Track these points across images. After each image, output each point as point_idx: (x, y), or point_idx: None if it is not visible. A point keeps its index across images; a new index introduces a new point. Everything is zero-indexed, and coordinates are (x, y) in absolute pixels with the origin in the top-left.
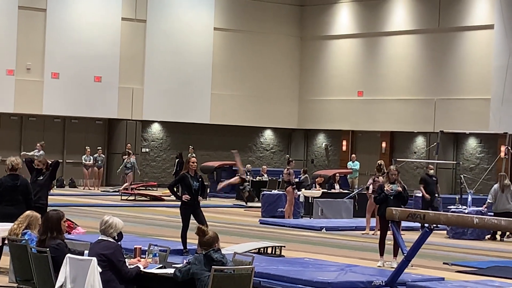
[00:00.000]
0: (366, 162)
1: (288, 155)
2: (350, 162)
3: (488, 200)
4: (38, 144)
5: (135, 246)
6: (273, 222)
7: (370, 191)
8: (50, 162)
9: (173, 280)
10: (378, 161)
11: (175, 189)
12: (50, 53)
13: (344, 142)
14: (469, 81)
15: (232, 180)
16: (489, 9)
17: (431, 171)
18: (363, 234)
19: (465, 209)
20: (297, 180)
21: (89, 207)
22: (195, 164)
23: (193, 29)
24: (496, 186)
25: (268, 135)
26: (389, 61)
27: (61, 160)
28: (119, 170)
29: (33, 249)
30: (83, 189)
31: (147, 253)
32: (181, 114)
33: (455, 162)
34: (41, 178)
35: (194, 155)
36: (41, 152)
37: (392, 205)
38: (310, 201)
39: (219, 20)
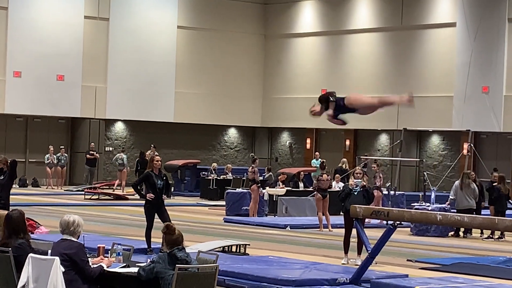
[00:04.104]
0: (330, 160)
1: (253, 154)
2: (314, 160)
3: (451, 197)
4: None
5: (98, 245)
6: (237, 220)
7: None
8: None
9: (137, 279)
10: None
11: (139, 188)
12: (12, 51)
13: (308, 140)
14: (432, 79)
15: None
16: (451, 7)
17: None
18: (318, 231)
19: (428, 206)
20: (261, 178)
21: (52, 207)
22: (159, 162)
23: (156, 27)
24: (457, 183)
25: (232, 133)
26: (353, 59)
27: (24, 160)
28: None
29: None
30: (46, 188)
31: (110, 252)
32: (145, 113)
33: (418, 159)
34: (2, 178)
35: (157, 153)
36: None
37: (356, 202)
38: (274, 199)
39: (183, 18)
